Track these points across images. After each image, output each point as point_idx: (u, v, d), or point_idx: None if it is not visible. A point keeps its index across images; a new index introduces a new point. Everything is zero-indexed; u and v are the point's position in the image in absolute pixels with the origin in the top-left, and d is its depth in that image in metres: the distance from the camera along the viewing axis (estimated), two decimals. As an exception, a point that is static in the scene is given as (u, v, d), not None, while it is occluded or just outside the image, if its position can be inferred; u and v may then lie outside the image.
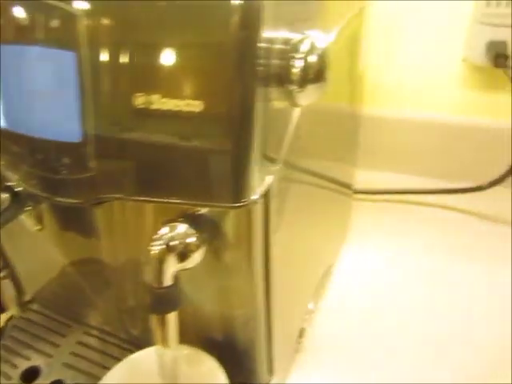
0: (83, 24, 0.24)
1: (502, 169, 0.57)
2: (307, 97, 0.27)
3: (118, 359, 0.32)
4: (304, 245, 0.40)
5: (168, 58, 0.24)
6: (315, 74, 0.26)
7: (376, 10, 0.59)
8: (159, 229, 0.27)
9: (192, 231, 0.27)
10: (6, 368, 0.36)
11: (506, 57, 0.53)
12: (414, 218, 0.60)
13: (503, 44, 0.54)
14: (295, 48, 0.26)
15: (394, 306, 0.48)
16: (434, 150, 0.65)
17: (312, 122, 0.36)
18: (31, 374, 0.36)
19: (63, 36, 0.25)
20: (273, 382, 0.35)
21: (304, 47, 0.26)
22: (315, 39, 0.27)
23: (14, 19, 0.25)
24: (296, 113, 0.31)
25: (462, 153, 0.64)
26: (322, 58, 0.26)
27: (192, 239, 0.27)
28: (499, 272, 0.51)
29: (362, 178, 0.62)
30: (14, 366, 0.36)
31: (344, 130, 0.47)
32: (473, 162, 0.64)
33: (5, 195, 0.31)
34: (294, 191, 0.34)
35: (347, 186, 0.54)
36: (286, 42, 0.26)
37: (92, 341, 0.36)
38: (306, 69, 0.26)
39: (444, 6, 0.57)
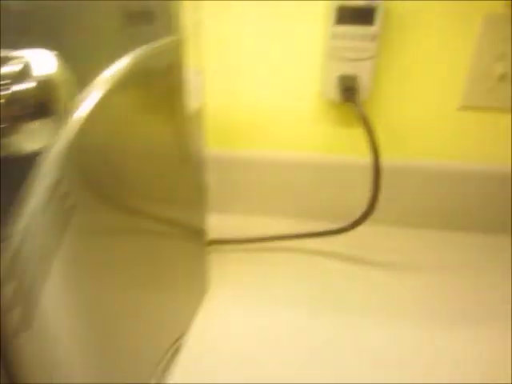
0: None
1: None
2: (27, 139, 0.19)
3: None
4: (129, 318, 0.32)
5: None
6: (34, 108, 0.19)
7: (227, 44, 0.55)
8: None
9: None
10: None
11: (354, 91, 0.51)
12: (278, 266, 0.54)
13: (352, 78, 0.52)
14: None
15: (259, 376, 0.40)
16: (297, 190, 0.61)
17: (117, 165, 0.28)
18: None
19: None
20: None
21: (10, 70, 0.18)
22: (39, 61, 0.19)
23: None
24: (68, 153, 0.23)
25: (324, 192, 0.61)
26: (46, 86, 0.19)
27: None
28: (364, 320, 0.46)
29: (220, 225, 0.55)
30: None
31: (175, 173, 0.40)
32: (336, 200, 0.61)
33: None
34: (98, 250, 0.26)
35: (197, 237, 0.47)
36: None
37: None
38: (15, 100, 0.18)
39: (302, 41, 0.54)
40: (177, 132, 0.39)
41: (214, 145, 0.60)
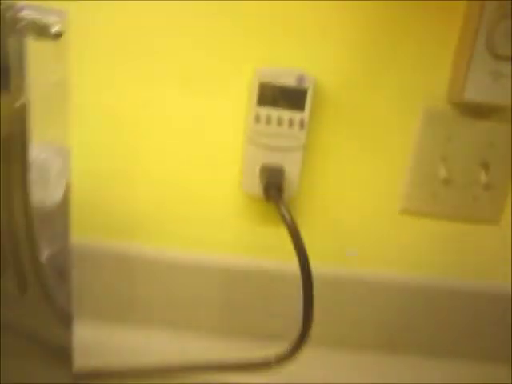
0: None
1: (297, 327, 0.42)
2: None
3: None
4: None
5: None
6: None
7: (125, 114, 0.44)
8: None
9: None
10: None
11: (278, 185, 0.41)
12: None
13: (277, 170, 0.43)
14: None
15: None
16: (209, 300, 0.49)
17: None
18: None
19: None
20: None
21: None
22: None
23: None
24: None
25: (244, 303, 0.49)
26: None
27: None
28: None
29: (106, 342, 0.41)
30: None
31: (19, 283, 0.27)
32: (260, 314, 0.49)
33: None
34: None
35: (58, 365, 0.33)
36: None
37: None
38: None
39: (221, 118, 0.45)
40: (14, 230, 0.26)
41: (99, 238, 0.47)
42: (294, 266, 0.47)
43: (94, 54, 0.43)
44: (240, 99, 0.44)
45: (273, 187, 0.41)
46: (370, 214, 0.48)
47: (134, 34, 0.42)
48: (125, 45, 0.43)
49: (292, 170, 0.43)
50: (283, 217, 0.37)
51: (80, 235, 0.47)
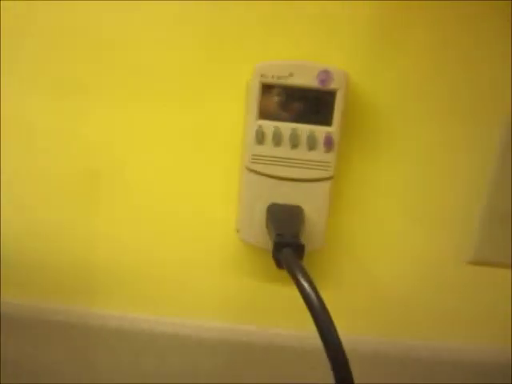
0: None
1: None
2: None
3: None
4: None
5: None
6: None
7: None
8: None
9: None
10: None
11: (295, 241, 0.27)
12: None
13: (292, 211, 0.29)
14: None
15: None
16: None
17: None
18: None
19: None
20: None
21: None
22: None
23: None
24: None
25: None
26: None
27: None
28: None
29: None
30: None
31: None
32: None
33: None
34: None
35: None
36: None
37: None
38: None
39: (207, 145, 0.31)
40: None
41: (60, 304, 0.35)
42: (313, 333, 0.33)
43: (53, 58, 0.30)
44: (234, 111, 0.30)
45: (286, 242, 0.26)
46: (428, 267, 0.34)
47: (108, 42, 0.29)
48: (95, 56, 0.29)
49: (315, 212, 0.29)
50: (304, 295, 0.23)
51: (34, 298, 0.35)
